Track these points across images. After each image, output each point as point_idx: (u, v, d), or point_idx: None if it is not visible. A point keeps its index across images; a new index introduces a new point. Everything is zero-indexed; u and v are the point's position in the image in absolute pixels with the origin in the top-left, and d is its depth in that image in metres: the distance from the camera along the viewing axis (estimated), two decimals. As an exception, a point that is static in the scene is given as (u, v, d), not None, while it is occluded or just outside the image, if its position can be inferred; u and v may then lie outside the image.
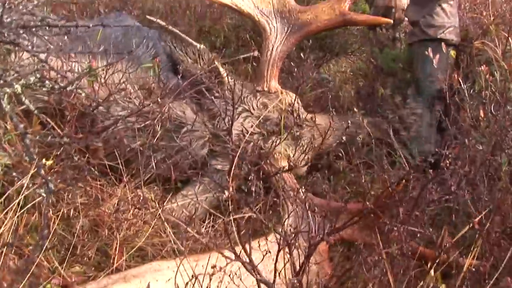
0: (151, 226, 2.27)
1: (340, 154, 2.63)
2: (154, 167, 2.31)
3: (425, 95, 3.07)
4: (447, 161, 1.80)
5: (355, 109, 2.70)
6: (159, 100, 2.20)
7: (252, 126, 2.41)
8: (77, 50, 2.72)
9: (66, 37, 2.92)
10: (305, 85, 3.33)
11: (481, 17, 3.62)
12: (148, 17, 2.35)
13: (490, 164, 2.25)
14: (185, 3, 4.75)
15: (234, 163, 1.85)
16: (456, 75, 2.90)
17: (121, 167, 2.29)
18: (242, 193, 2.40)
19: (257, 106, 2.48)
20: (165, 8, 4.82)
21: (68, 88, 1.78)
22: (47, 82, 1.72)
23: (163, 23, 2.35)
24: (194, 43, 2.40)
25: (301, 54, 3.43)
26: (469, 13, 3.74)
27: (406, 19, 3.60)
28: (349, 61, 4.32)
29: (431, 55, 2.87)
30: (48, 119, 2.06)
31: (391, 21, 2.72)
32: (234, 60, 3.57)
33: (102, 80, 2.32)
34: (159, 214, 2.23)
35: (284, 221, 2.07)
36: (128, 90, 2.27)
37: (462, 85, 2.78)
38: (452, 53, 3.19)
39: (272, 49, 2.56)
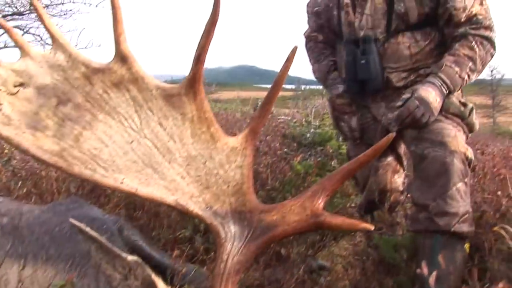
0: None
1: None
2: None
3: (434, 300, 2.42)
4: None
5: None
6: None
7: None
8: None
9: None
10: (288, 284, 2.76)
11: (496, 198, 3.10)
12: (71, 220, 1.89)
13: None
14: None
15: None
16: (469, 274, 2.30)
17: None
18: None
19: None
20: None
21: None
22: None
23: (84, 228, 1.87)
24: (123, 255, 1.89)
25: (281, 251, 2.93)
26: (480, 193, 3.23)
27: (403, 198, 3.13)
28: (351, 244, 3.74)
29: (441, 253, 2.32)
30: None
31: (372, 227, 2.16)
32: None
33: None
34: None
35: None
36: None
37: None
38: (467, 246, 2.61)
39: (227, 260, 2.00)
